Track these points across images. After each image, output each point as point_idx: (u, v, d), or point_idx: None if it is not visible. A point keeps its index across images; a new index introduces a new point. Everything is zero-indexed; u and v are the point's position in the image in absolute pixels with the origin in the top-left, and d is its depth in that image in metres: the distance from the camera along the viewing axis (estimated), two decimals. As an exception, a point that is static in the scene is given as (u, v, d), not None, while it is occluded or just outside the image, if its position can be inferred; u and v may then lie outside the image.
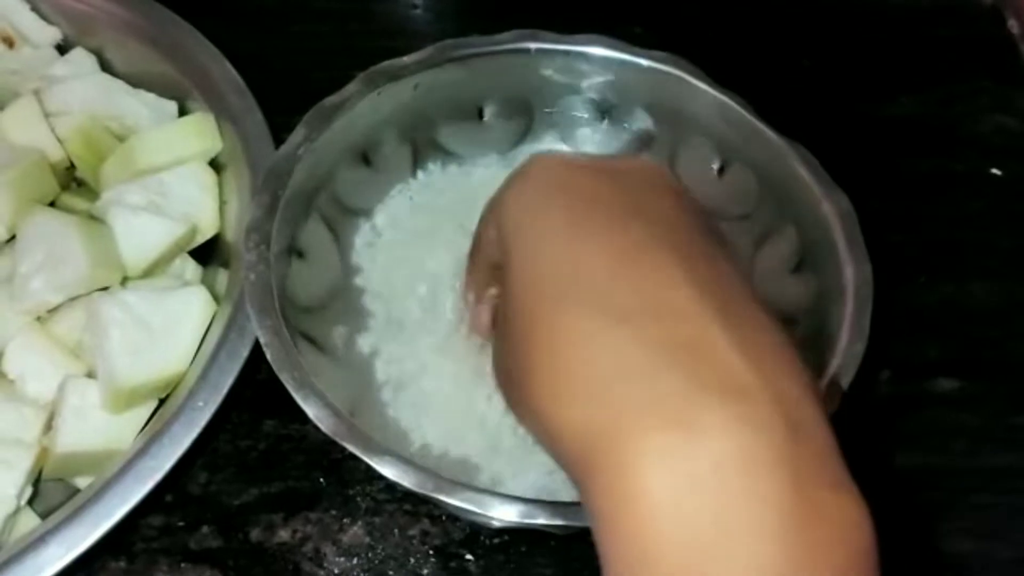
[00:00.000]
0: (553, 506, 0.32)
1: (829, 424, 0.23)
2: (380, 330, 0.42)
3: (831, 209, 0.39)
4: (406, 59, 0.43)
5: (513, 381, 0.26)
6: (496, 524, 0.34)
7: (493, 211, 0.30)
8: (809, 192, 0.40)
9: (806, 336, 0.39)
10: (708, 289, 0.24)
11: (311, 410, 0.34)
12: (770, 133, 0.42)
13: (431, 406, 0.39)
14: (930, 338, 0.46)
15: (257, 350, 0.38)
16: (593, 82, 0.45)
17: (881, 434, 0.43)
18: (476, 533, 0.40)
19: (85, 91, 0.44)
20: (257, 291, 0.37)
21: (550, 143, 0.48)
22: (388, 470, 0.32)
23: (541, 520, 0.32)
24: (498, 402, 0.38)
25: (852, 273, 0.38)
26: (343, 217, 0.44)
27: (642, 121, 0.46)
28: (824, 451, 0.22)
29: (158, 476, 0.35)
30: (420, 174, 0.46)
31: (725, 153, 0.44)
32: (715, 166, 0.45)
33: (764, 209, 0.43)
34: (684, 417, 0.21)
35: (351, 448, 0.33)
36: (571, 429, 0.23)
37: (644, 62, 0.44)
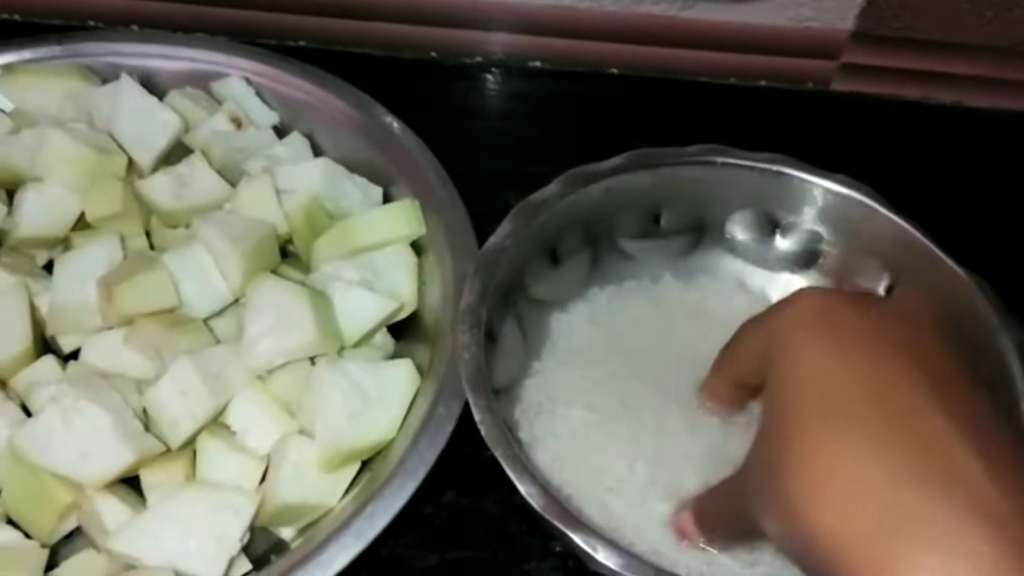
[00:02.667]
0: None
1: None
2: (550, 417, 0.44)
3: (1008, 342, 0.41)
4: (604, 164, 0.47)
5: (766, 481, 0.29)
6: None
7: (761, 328, 0.33)
8: (985, 323, 0.42)
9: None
10: (963, 422, 0.26)
11: (524, 487, 0.36)
12: (948, 261, 0.44)
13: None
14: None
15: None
16: (770, 198, 0.48)
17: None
18: (645, 619, 0.41)
19: (311, 173, 0.48)
20: (471, 370, 0.40)
21: (719, 253, 0.50)
22: (600, 552, 0.34)
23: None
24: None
25: (1031, 406, 0.39)
26: (530, 309, 0.47)
27: (814, 238, 0.48)
28: None
29: (371, 535, 0.38)
30: (598, 273, 0.49)
31: (895, 273, 0.46)
32: (883, 285, 0.47)
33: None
34: (946, 539, 0.24)
35: (560, 525, 0.35)
36: (826, 532, 0.26)
37: (825, 183, 0.47)
